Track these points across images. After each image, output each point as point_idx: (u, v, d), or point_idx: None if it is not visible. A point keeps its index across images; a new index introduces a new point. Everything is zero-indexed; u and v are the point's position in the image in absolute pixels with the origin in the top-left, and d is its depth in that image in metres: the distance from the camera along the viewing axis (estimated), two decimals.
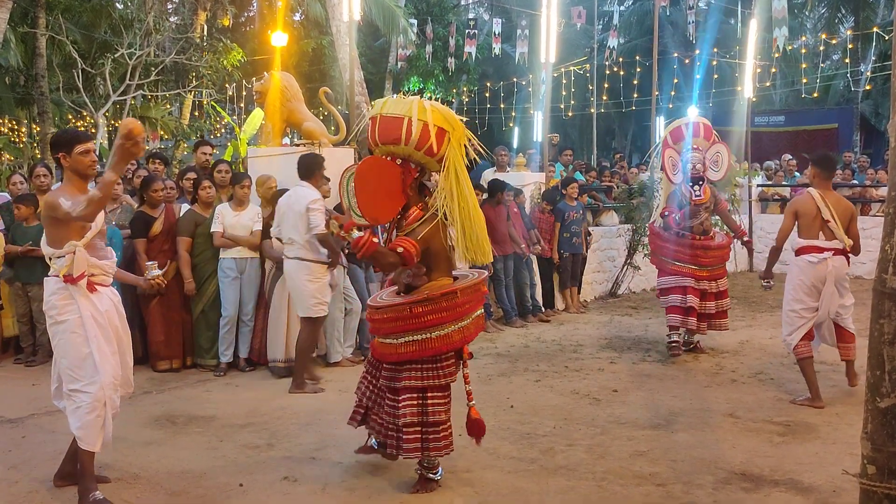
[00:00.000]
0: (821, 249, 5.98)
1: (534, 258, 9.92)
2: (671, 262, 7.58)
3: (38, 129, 15.69)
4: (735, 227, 8.04)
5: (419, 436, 4.28)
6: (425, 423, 4.27)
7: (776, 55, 19.21)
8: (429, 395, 4.28)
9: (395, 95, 4.78)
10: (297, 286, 6.54)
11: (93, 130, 15.42)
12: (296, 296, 6.63)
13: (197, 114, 18.40)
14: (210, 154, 8.83)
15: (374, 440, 4.77)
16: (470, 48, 22.52)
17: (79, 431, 4.16)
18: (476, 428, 4.46)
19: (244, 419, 5.69)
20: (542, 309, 9.92)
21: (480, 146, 4.52)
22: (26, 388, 6.61)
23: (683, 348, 7.70)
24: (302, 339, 6.52)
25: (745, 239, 8.07)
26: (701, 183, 7.45)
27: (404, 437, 4.27)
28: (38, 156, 15.33)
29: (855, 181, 14.89)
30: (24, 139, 18.83)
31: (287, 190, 6.94)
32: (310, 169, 6.64)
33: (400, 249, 4.19)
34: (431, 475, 4.38)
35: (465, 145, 4.41)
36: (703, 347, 7.85)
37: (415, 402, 4.27)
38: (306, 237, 6.46)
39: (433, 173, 4.52)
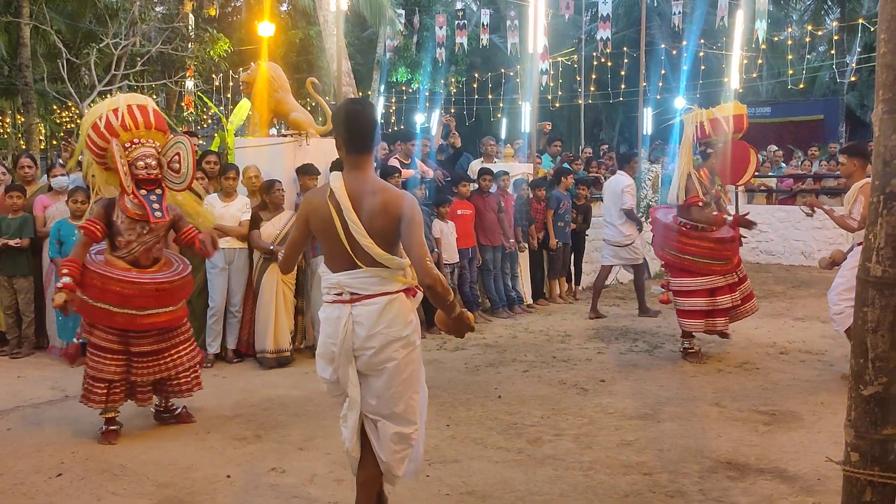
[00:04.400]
0: None
1: (525, 246, 9.96)
2: (701, 260, 6.95)
3: (23, 119, 15.54)
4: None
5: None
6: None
7: (763, 46, 19.26)
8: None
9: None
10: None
11: (78, 121, 15.30)
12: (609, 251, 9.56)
13: (183, 104, 18.28)
14: (197, 145, 8.76)
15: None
16: (461, 39, 22.46)
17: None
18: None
19: (232, 410, 5.68)
20: (523, 300, 9.94)
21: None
22: (11, 379, 6.58)
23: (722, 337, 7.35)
24: (598, 281, 9.75)
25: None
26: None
27: None
28: (23, 146, 15.19)
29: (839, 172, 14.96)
30: (8, 130, 18.66)
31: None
32: (625, 159, 9.94)
33: None
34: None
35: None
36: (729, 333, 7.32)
37: None
38: (616, 211, 9.38)
39: None
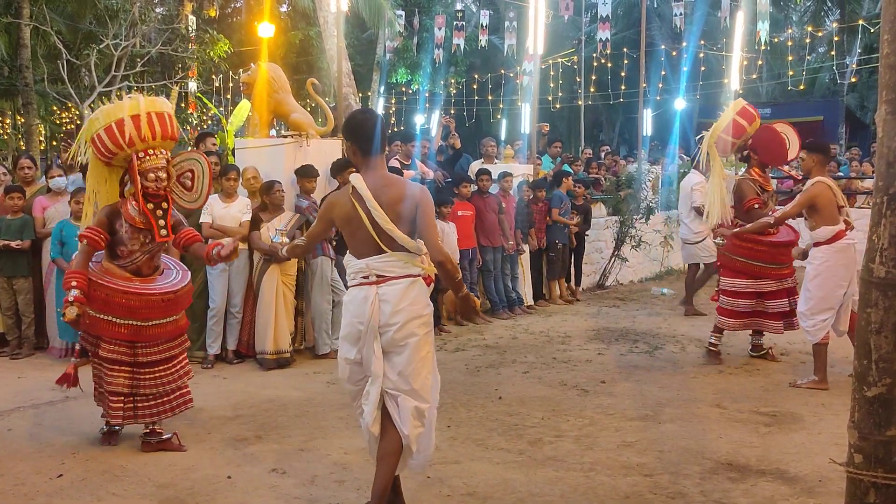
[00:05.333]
0: (845, 233, 6.15)
1: (525, 248, 9.97)
2: (754, 263, 6.87)
3: (23, 120, 15.53)
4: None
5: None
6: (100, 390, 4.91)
7: (763, 48, 19.28)
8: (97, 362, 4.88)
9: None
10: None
11: (78, 122, 15.29)
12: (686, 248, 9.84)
13: (183, 105, 18.27)
14: (217, 145, 8.72)
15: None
16: (458, 40, 22.47)
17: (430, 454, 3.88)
18: (64, 378, 4.98)
19: (232, 411, 5.68)
20: (523, 301, 9.93)
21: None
22: (12, 380, 6.57)
23: (752, 353, 7.28)
24: (688, 278, 9.97)
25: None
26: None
27: None
28: (23, 147, 15.18)
29: (840, 173, 15.02)
30: (8, 131, 18.66)
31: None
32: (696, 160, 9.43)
33: None
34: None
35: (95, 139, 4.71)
36: (776, 354, 7.26)
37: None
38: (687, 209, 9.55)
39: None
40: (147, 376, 4.82)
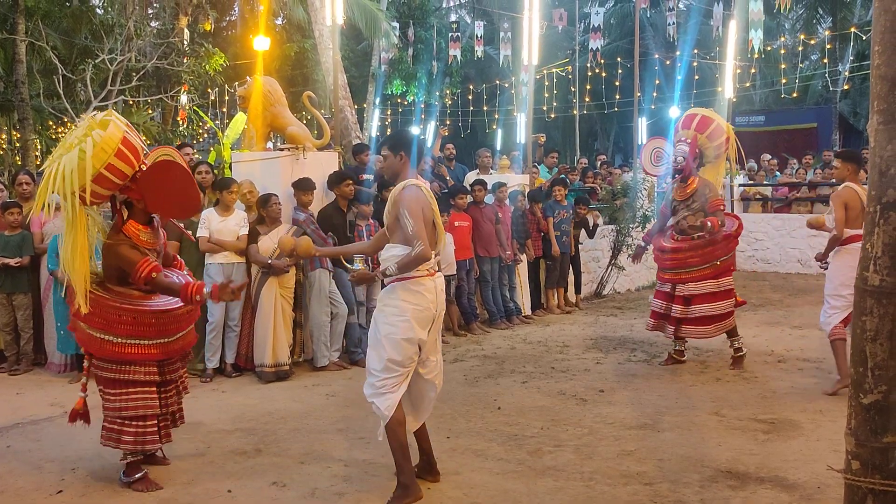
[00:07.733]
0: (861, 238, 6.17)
1: (522, 258, 9.99)
2: (657, 265, 7.43)
3: (18, 135, 15.55)
4: (702, 224, 6.99)
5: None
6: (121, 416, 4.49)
7: (756, 56, 19.39)
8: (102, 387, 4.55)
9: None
10: None
11: None
12: None
13: (179, 119, 18.31)
14: (192, 154, 8.79)
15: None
16: (454, 51, 22.56)
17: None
18: (73, 415, 4.69)
19: (231, 425, 5.68)
20: (521, 311, 9.94)
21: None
22: (10, 396, 6.56)
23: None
24: None
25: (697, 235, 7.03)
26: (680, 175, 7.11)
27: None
28: (19, 163, 15.19)
29: (834, 180, 15.07)
30: (3, 146, 18.65)
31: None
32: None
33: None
34: (126, 477, 4.51)
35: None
36: (681, 358, 7.35)
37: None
38: None
39: None
40: (171, 393, 4.73)
